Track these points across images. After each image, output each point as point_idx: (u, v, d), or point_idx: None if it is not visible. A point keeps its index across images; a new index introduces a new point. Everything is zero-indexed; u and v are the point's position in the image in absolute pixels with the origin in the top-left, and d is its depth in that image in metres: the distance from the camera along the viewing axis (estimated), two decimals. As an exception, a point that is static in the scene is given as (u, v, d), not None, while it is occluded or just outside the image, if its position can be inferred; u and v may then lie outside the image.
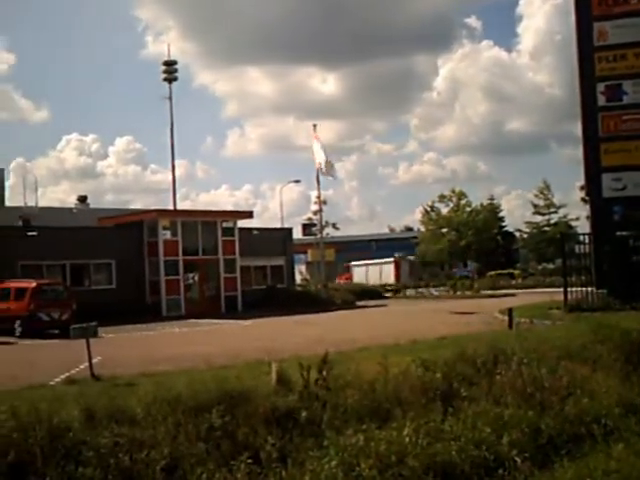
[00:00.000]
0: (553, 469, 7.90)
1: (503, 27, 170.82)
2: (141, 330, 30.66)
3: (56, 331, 28.36)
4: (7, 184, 57.23)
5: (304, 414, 8.72)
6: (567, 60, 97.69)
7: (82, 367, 15.92)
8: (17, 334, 28.60)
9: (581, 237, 32.40)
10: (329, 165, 47.70)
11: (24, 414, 7.77)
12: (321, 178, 48.66)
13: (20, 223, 41.59)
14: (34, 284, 30.39)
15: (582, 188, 45.27)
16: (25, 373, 15.28)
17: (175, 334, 29.54)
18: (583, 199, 55.79)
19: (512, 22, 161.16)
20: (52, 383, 14.34)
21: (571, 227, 78.48)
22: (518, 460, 7.82)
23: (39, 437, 7.36)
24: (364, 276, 71.51)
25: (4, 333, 27.93)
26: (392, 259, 77.02)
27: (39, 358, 21.04)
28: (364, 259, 77.79)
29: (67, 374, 15.38)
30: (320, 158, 46.35)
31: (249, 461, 7.30)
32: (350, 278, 73.61)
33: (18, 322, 28.93)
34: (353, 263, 69.05)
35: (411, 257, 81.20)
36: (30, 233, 37.83)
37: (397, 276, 74.23)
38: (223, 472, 7.16)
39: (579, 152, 32.04)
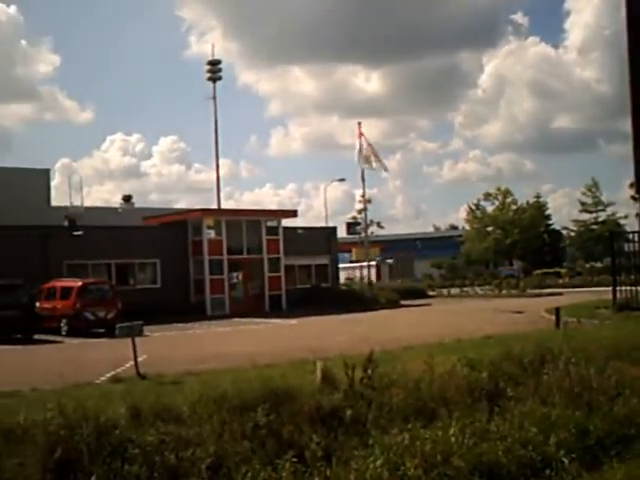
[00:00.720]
0: (602, 470, 7.79)
1: (550, 23, 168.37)
2: (186, 329, 30.86)
3: (101, 330, 28.73)
4: (53, 184, 57.63)
5: (349, 413, 8.68)
6: (616, 55, 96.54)
7: (128, 365, 16.04)
8: (63, 333, 28.97)
9: (630, 235, 31.91)
10: (377, 159, 47.75)
11: (71, 412, 7.81)
12: (366, 176, 48.72)
13: (66, 223, 42.01)
14: (80, 283, 30.74)
15: (632, 185, 44.70)
16: (71, 371, 15.41)
17: (219, 333, 29.67)
18: (633, 197, 55.03)
19: (559, 18, 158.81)
20: (98, 381, 14.49)
21: (619, 225, 77.52)
22: (565, 461, 7.72)
23: (86, 434, 7.40)
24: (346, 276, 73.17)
25: (50, 332, 28.30)
26: (374, 262, 79.00)
27: (85, 357, 21.26)
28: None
29: (113, 372, 15.53)
30: (365, 152, 46.49)
31: (294, 460, 7.28)
32: None
33: (64, 321, 29.30)
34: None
35: (389, 260, 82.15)
36: (76, 233, 38.27)
37: (378, 277, 76.36)
38: (268, 470, 7.15)
39: (628, 149, 31.47)
